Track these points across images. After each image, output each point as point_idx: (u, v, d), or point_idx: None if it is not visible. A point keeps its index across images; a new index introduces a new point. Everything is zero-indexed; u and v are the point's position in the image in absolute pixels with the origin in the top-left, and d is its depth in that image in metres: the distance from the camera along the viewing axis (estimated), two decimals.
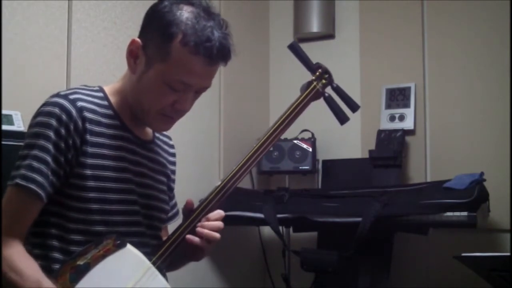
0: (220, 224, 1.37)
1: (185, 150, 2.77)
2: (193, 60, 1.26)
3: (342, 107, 1.56)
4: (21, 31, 2.09)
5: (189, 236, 1.34)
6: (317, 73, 1.53)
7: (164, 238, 1.41)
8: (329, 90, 1.56)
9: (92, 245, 1.25)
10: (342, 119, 1.55)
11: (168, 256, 1.32)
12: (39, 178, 1.22)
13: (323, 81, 1.52)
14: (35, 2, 2.14)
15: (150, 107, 1.33)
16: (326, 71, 1.53)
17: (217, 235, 1.36)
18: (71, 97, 1.29)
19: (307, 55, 1.57)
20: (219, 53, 1.27)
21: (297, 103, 1.47)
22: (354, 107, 1.58)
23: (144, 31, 1.34)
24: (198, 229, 1.34)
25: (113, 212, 1.31)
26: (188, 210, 1.38)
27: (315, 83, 1.51)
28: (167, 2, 1.31)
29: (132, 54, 1.33)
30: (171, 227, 1.46)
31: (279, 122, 1.44)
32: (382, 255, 2.67)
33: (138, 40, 1.32)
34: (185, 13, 1.28)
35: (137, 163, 1.39)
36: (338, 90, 1.57)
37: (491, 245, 2.79)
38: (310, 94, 1.49)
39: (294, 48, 1.58)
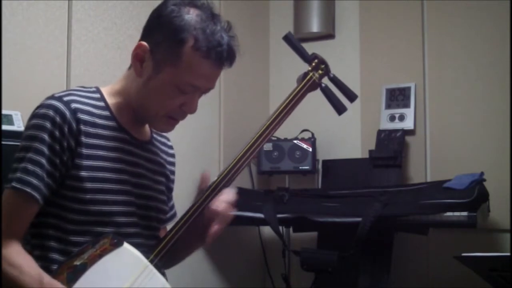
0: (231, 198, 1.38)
1: (185, 150, 2.77)
2: (204, 64, 1.29)
3: (341, 99, 1.56)
4: (21, 31, 2.09)
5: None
6: (313, 64, 1.52)
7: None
8: (326, 81, 1.55)
9: (89, 244, 1.25)
10: (340, 109, 1.55)
11: (165, 253, 1.32)
12: (34, 181, 1.23)
13: (320, 71, 1.52)
14: (35, 2, 2.14)
15: (158, 110, 1.34)
16: (322, 62, 1.53)
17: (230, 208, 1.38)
18: (66, 99, 1.29)
19: (302, 46, 1.56)
20: (228, 57, 1.32)
21: (293, 94, 1.47)
22: (352, 96, 1.57)
23: (151, 35, 1.33)
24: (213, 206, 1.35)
25: (111, 213, 1.31)
26: (203, 187, 1.38)
27: (311, 73, 1.50)
28: (173, 6, 1.31)
29: (138, 57, 1.33)
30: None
31: (276, 114, 1.44)
32: (382, 255, 2.67)
33: (145, 44, 1.32)
34: (194, 16, 1.29)
35: (134, 164, 1.39)
36: (335, 80, 1.56)
37: (491, 245, 2.78)
38: (306, 84, 1.48)
39: (289, 39, 1.57)
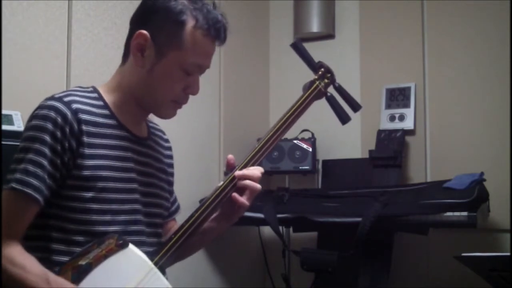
0: (257, 172, 1.39)
1: (185, 150, 2.77)
2: (205, 42, 1.34)
3: (344, 107, 1.56)
4: (21, 31, 2.09)
5: (235, 194, 1.37)
6: (320, 72, 1.53)
7: (173, 230, 1.40)
8: (331, 90, 1.56)
9: (94, 244, 1.25)
10: (344, 119, 1.55)
11: (170, 256, 1.32)
12: (34, 181, 1.22)
13: (326, 80, 1.53)
14: (35, 2, 2.14)
15: (165, 96, 1.36)
16: (328, 70, 1.54)
17: (258, 186, 1.39)
18: (66, 99, 1.29)
19: (309, 54, 1.57)
20: (224, 32, 1.37)
21: (299, 102, 1.48)
22: (356, 107, 1.58)
23: (148, 23, 1.34)
24: (240, 182, 1.37)
25: (113, 212, 1.31)
26: (230, 169, 1.41)
27: (317, 82, 1.51)
28: None
29: (139, 47, 1.34)
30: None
31: (281, 122, 1.45)
32: (382, 255, 2.67)
33: (145, 32, 1.33)
34: None
35: (139, 161, 1.39)
36: (340, 90, 1.57)
37: (491, 245, 2.79)
38: (312, 93, 1.49)
39: (297, 47, 1.57)
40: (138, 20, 1.37)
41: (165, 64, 1.33)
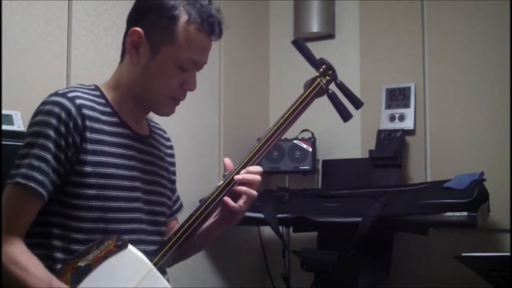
0: (257, 177, 1.39)
1: (185, 149, 2.77)
2: (199, 37, 1.33)
3: (345, 104, 1.56)
4: (21, 31, 2.09)
5: (226, 199, 1.37)
6: (321, 69, 1.52)
7: (173, 230, 1.40)
8: (332, 87, 1.55)
9: (93, 245, 1.24)
10: (346, 116, 1.54)
11: (170, 256, 1.32)
12: (39, 176, 1.22)
13: (327, 77, 1.52)
14: (35, 2, 2.14)
15: (161, 92, 1.36)
16: (330, 67, 1.53)
17: (255, 193, 1.39)
18: (70, 95, 1.30)
19: (311, 51, 1.56)
20: (219, 27, 1.36)
21: (300, 100, 1.47)
22: (357, 104, 1.57)
23: (141, 20, 1.35)
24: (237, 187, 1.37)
25: (114, 209, 1.31)
26: (229, 171, 1.41)
27: (319, 79, 1.50)
28: None
29: (134, 44, 1.35)
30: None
31: (282, 119, 1.45)
32: (382, 255, 2.67)
33: (139, 29, 1.33)
34: None
35: (142, 159, 1.40)
36: (341, 87, 1.56)
37: (491, 245, 2.79)
38: (314, 90, 1.49)
39: (298, 44, 1.57)
40: (133, 18, 1.38)
41: (160, 60, 1.33)
